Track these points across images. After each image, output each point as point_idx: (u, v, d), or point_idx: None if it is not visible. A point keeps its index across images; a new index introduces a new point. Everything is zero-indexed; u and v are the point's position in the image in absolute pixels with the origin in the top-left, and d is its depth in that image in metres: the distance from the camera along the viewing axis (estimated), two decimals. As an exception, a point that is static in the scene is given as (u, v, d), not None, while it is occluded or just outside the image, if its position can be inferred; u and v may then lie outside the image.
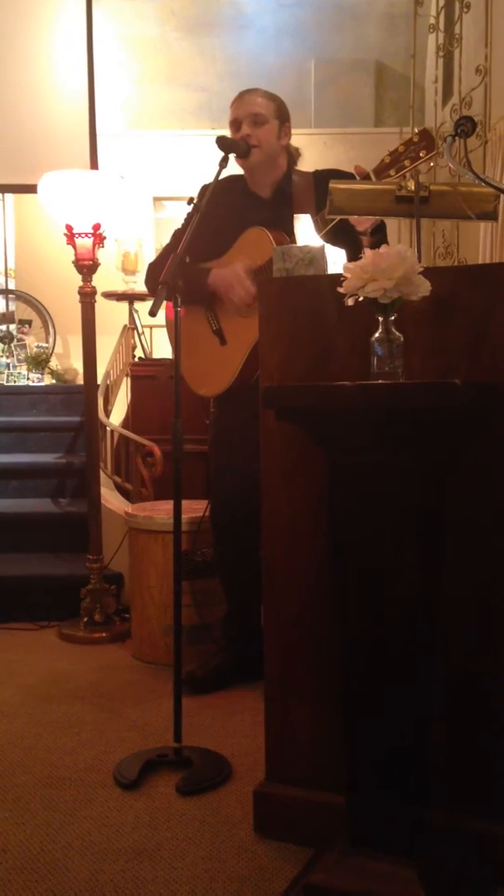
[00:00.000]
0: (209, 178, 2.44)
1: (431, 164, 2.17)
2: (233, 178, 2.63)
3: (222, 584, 2.92)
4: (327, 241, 2.33)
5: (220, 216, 2.51)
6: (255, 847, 1.85)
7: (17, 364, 6.75)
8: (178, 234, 2.84)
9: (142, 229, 6.72)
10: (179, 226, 2.86)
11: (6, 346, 6.83)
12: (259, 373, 2.64)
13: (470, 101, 5.06)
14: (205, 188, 2.75)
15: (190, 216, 2.43)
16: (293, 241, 2.56)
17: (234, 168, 2.56)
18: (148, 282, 2.91)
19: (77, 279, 3.55)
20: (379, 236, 2.45)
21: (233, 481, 2.76)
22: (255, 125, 2.68)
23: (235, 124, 2.71)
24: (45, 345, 7.05)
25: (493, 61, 4.89)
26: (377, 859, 1.53)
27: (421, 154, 2.15)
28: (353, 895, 1.51)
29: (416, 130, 2.19)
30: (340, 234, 2.39)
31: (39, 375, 6.69)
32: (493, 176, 4.38)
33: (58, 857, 1.82)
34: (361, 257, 1.56)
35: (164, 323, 3.00)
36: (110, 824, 1.96)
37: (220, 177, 2.45)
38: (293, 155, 2.84)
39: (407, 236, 5.49)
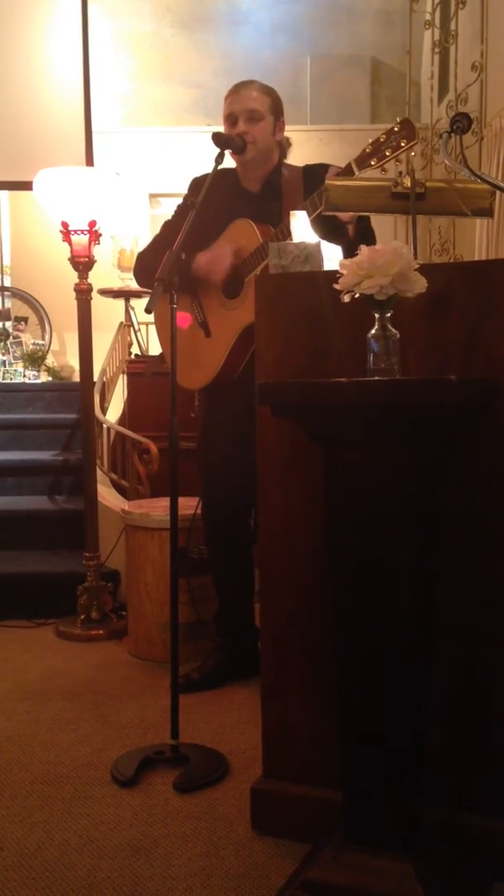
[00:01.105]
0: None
1: (413, 153, 2.17)
2: (222, 172, 2.61)
3: (214, 580, 2.91)
4: (316, 231, 2.31)
5: (208, 210, 2.50)
6: (253, 844, 1.85)
7: (13, 361, 6.74)
8: (168, 226, 2.82)
9: (138, 226, 6.71)
10: (170, 218, 2.85)
11: (2, 344, 6.82)
12: (243, 367, 2.66)
13: (466, 98, 5.07)
14: (195, 181, 2.74)
15: (183, 210, 2.41)
16: (280, 232, 2.55)
17: (226, 161, 2.55)
18: (138, 273, 2.89)
19: (73, 276, 3.54)
20: (361, 224, 2.42)
21: (223, 478, 2.75)
22: (251, 121, 2.66)
23: (231, 119, 2.68)
24: (41, 342, 7.05)
25: (489, 58, 4.89)
26: (375, 855, 1.53)
27: (402, 143, 2.15)
28: (350, 891, 1.52)
29: (398, 119, 2.19)
30: (326, 225, 2.37)
31: (36, 373, 6.68)
32: (489, 172, 4.38)
33: (55, 854, 1.82)
34: (357, 253, 1.56)
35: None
36: (107, 821, 1.96)
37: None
38: (285, 148, 2.83)
39: (403, 233, 5.50)
